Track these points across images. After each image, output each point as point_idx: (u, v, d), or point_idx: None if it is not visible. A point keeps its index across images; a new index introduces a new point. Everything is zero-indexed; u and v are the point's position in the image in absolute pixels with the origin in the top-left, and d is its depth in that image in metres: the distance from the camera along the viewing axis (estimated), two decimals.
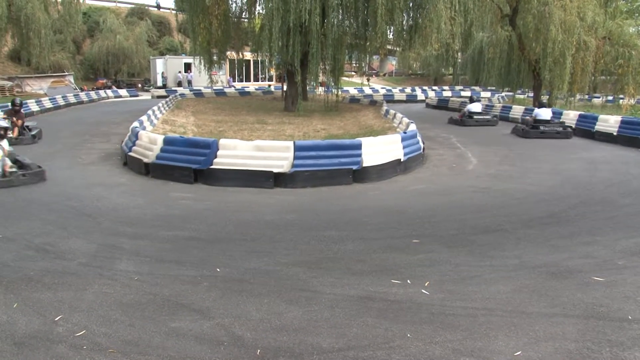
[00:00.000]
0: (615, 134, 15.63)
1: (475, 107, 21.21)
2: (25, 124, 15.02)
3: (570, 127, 17.66)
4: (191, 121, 19.40)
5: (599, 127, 16.58)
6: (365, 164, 9.73)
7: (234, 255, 5.43)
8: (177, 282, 4.66)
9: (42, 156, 12.19)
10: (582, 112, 19.01)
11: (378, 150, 10.20)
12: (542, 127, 17.11)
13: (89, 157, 12.32)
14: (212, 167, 9.42)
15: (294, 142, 9.59)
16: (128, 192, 8.78)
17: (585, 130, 17.15)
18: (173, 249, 5.66)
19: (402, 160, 10.63)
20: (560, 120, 18.52)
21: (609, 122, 16.26)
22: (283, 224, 6.75)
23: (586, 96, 29.48)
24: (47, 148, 13.54)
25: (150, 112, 17.15)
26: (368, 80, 49.15)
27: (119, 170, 10.83)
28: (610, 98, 30.20)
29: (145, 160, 10.20)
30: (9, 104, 15.36)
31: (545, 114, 17.61)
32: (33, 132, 14.73)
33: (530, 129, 17.23)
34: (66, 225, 6.55)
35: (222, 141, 9.81)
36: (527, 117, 18.47)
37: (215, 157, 9.52)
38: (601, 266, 5.05)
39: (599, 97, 31.41)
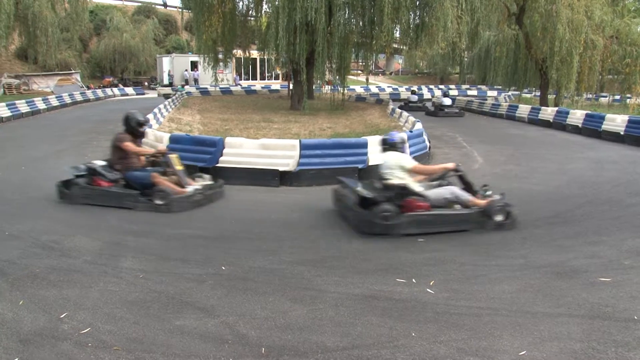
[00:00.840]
0: (622, 133, 15.55)
1: (413, 97, 29.47)
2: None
3: (462, 109, 26.78)
4: (197, 119, 19.42)
5: (606, 126, 16.50)
6: (371, 163, 9.72)
7: (239, 254, 5.44)
8: (182, 280, 4.67)
9: (49, 154, 12.26)
10: (589, 112, 18.93)
11: None
12: (445, 110, 25.01)
13: (95, 154, 12.35)
14: (218, 165, 9.44)
15: (300, 141, 9.59)
16: None
17: (592, 129, 17.08)
18: (178, 247, 5.67)
19: None
20: (457, 105, 27.47)
21: (616, 122, 16.18)
22: (288, 222, 6.76)
23: (593, 95, 29.38)
24: (53, 146, 13.59)
25: (156, 110, 17.19)
26: (367, 79, 48.97)
27: None
28: (617, 97, 30.07)
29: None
30: (125, 122, 7.96)
31: (446, 101, 25.71)
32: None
33: (439, 111, 25.04)
34: (71, 223, 6.58)
35: (228, 139, 9.82)
36: (436, 103, 26.25)
37: (221, 155, 9.54)
38: (607, 266, 5.03)
39: (606, 96, 31.29)
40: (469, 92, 42.52)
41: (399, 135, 7.02)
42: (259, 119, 19.65)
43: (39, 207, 7.37)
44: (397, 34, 23.66)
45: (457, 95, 36.42)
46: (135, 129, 7.92)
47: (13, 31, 29.86)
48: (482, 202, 6.49)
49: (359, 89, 39.83)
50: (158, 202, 7.19)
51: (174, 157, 7.71)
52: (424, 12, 21.06)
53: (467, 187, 6.75)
